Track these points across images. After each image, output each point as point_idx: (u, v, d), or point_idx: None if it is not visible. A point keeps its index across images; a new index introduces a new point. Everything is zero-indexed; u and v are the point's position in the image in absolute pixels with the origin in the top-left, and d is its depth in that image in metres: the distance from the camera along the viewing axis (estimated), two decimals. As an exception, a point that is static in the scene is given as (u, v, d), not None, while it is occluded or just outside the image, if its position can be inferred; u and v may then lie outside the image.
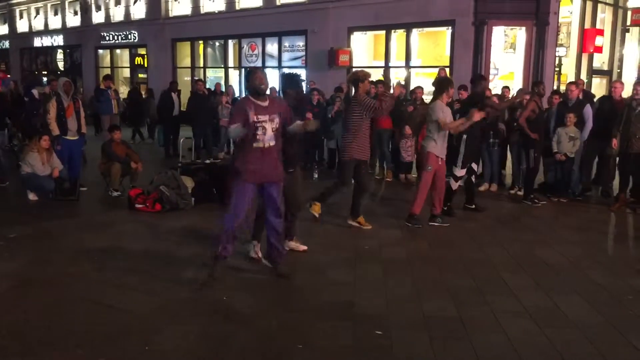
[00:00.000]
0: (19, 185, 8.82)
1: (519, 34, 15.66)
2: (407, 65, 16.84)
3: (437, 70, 13.07)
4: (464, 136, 7.58)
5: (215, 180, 8.27)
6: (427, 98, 11.23)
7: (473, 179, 8.11)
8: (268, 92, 5.19)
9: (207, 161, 10.02)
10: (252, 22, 20.14)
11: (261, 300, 4.83)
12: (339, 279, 5.33)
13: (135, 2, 25.10)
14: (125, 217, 7.55)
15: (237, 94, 18.27)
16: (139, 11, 25.01)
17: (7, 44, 34.85)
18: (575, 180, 8.96)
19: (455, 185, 7.78)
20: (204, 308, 4.64)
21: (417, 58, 17.08)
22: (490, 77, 15.39)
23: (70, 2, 29.12)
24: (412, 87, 13.16)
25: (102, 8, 26.97)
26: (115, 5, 26.25)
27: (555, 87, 14.54)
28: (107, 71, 25.64)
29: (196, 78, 20.07)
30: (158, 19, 23.80)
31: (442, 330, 4.25)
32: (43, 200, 8.37)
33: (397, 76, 17.23)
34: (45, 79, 26.95)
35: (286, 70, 20.13)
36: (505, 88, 11.20)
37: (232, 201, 4.99)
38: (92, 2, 27.40)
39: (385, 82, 10.94)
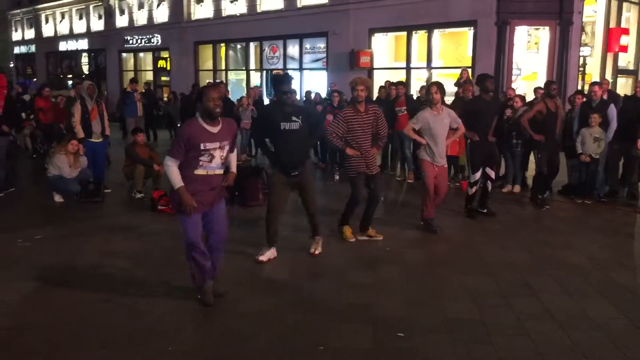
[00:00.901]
0: (45, 187, 8.97)
1: (542, 34, 15.49)
2: (429, 67, 16.76)
3: (458, 71, 12.98)
4: (468, 141, 7.54)
5: (236, 182, 8.29)
6: (449, 99, 11.19)
7: (488, 184, 7.75)
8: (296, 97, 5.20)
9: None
10: (273, 25, 20.24)
11: (282, 301, 4.84)
12: (360, 281, 5.33)
13: (158, 6, 25.39)
14: (148, 219, 7.63)
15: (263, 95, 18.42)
16: (161, 15, 25.29)
17: (33, 48, 35.53)
18: (600, 182, 8.82)
19: (471, 190, 7.68)
20: (224, 309, 4.67)
21: (439, 59, 17.00)
22: (513, 77, 15.26)
23: (94, 6, 29.58)
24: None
25: (126, 12, 27.34)
26: (139, 10, 26.58)
27: (579, 87, 14.36)
28: (131, 74, 25.94)
29: (218, 81, 20.25)
30: (180, 23, 24.04)
31: (464, 333, 4.22)
32: (68, 202, 8.51)
33: (418, 77, 17.18)
34: (70, 82, 27.42)
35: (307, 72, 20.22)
36: (539, 89, 10.98)
37: (184, 234, 4.55)
38: (116, 6, 27.77)
39: (404, 83, 10.78)
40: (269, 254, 5.80)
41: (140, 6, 26.45)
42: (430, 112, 6.80)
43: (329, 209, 7.57)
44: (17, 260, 5.83)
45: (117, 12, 27.79)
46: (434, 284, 5.28)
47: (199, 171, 4.44)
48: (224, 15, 22.47)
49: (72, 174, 8.49)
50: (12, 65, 39.57)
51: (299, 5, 19.76)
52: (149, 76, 26.68)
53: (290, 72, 20.76)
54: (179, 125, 16.55)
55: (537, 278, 5.42)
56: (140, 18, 26.57)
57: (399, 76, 16.12)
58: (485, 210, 7.83)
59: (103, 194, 8.73)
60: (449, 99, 11.14)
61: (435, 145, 6.79)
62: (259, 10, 21.14)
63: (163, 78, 26.08)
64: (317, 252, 6.01)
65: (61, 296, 4.87)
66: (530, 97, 10.98)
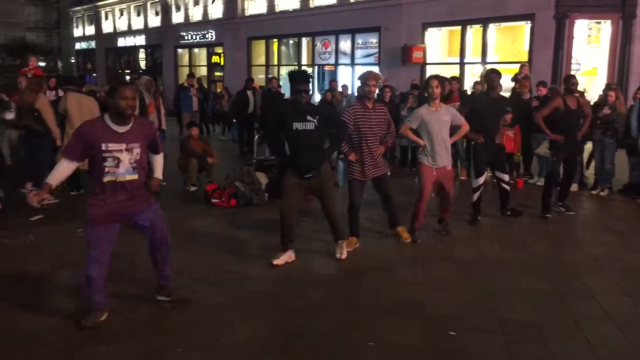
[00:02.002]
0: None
1: (604, 28, 14.94)
2: (483, 62, 16.43)
3: (514, 66, 12.69)
4: (472, 143, 7.07)
5: (281, 177, 8.37)
6: (505, 95, 10.96)
7: (505, 186, 7.28)
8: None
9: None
10: (325, 20, 20.26)
11: (331, 296, 4.86)
12: (410, 278, 5.29)
13: (213, 2, 25.80)
14: (201, 212, 7.78)
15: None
16: (216, 11, 25.69)
17: (93, 44, 36.71)
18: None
19: (474, 197, 7.12)
20: (275, 302, 4.73)
21: (494, 54, 16.63)
22: (572, 72, 14.79)
23: (152, 3, 30.30)
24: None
25: (182, 8, 27.90)
26: (194, 6, 27.08)
27: (642, 83, 13.79)
28: (186, 70, 26.49)
29: (270, 76, 20.44)
30: (234, 18, 24.36)
31: (518, 334, 4.13)
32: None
33: (472, 73, 16.88)
34: (127, 77, 28.21)
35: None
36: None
37: (88, 245, 4.15)
38: (172, 2, 28.39)
39: (458, 78, 10.54)
40: (285, 257, 5.60)
41: (196, 2, 26.95)
42: (427, 109, 6.26)
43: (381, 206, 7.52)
44: (76, 250, 6.04)
45: (174, 8, 28.40)
46: (487, 282, 5.19)
47: (107, 178, 4.00)
48: (277, 10, 22.64)
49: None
50: (73, 60, 41.06)
51: (351, 0, 19.71)
52: (203, 71, 27.17)
53: (341, 68, 20.91)
54: (234, 120, 16.86)
55: (595, 279, 5.25)
56: (196, 14, 27.07)
57: (453, 71, 15.88)
58: (509, 213, 7.38)
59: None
60: (505, 95, 10.96)
61: (433, 145, 6.20)
62: (311, 5, 21.21)
63: (217, 73, 26.52)
64: (343, 256, 5.74)
65: (118, 285, 5.01)
66: (590, 93, 10.63)
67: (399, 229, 6.39)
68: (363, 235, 6.34)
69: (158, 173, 4.52)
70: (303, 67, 22.18)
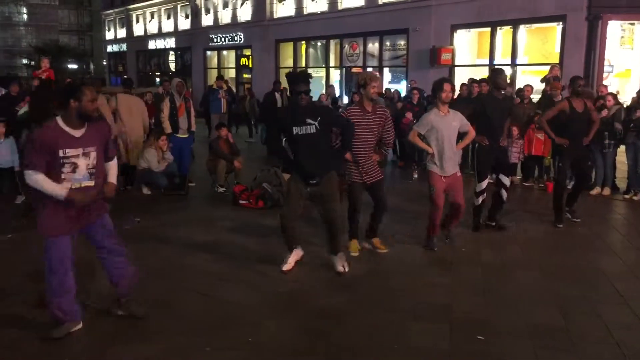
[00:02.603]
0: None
1: (638, 29, 14.65)
2: (513, 63, 16.24)
3: (544, 68, 12.52)
4: (476, 145, 6.71)
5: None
6: (536, 97, 10.82)
7: (503, 192, 6.89)
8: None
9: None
10: (353, 22, 20.25)
11: (358, 298, 4.85)
12: (436, 281, 5.26)
13: (241, 5, 26.00)
14: (229, 213, 7.85)
15: (337, 94, 18.54)
16: (245, 14, 25.88)
17: (124, 46, 37.31)
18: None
19: (477, 200, 6.79)
20: (301, 303, 4.74)
21: (524, 55, 16.43)
22: (604, 74, 14.53)
23: (182, 6, 30.68)
24: (517, 86, 12.71)
25: (211, 11, 28.18)
26: (223, 9, 27.33)
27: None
28: (215, 72, 26.73)
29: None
30: (263, 21, 24.51)
31: (547, 340, 4.07)
32: (155, 195, 8.89)
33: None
34: (157, 80, 28.61)
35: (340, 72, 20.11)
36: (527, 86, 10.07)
37: (47, 259, 3.94)
38: (202, 5, 28.70)
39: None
40: (292, 259, 5.44)
41: (225, 5, 27.19)
42: (437, 114, 5.99)
43: (408, 210, 7.50)
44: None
45: (203, 11, 28.71)
46: (515, 287, 5.13)
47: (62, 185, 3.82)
48: (305, 13, 22.71)
49: (159, 168, 8.86)
50: (105, 63, 41.79)
51: (380, 2, 19.66)
52: (232, 74, 27.39)
53: (370, 70, 20.86)
54: (252, 122, 17.00)
55: (628, 285, 5.14)
56: (225, 17, 27.31)
57: (482, 73, 15.71)
58: (493, 224, 6.96)
59: (187, 188, 9.06)
60: (535, 97, 10.82)
61: (443, 152, 5.94)
62: (339, 7, 21.22)
63: (245, 75, 26.71)
64: (347, 268, 5.39)
65: (148, 285, 5.08)
66: (623, 96, 10.42)
67: (375, 240, 6.10)
68: (386, 238, 6.31)
69: (112, 178, 4.18)
70: (331, 69, 22.22)
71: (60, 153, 3.74)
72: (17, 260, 5.64)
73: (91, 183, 3.91)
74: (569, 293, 4.96)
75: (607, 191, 9.02)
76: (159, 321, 4.35)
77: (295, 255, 5.48)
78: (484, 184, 6.77)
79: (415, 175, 10.30)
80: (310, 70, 23.14)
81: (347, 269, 5.37)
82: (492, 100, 6.74)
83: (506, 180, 6.89)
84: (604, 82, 13.16)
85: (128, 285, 4.34)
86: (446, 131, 5.93)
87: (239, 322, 4.37)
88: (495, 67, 7.70)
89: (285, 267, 5.38)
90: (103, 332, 4.16)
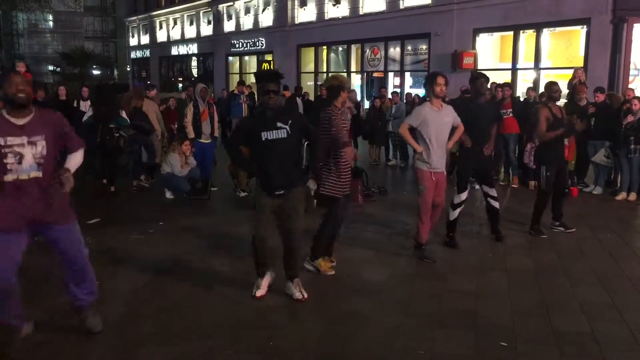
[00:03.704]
0: (158, 184, 9.58)
1: (665, 32, 14.41)
2: (537, 67, 16.10)
3: (568, 71, 12.38)
4: (456, 153, 6.30)
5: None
6: (560, 102, 10.68)
7: (493, 202, 6.62)
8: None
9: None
10: (375, 27, 20.26)
11: (382, 303, 4.84)
12: (462, 287, 5.22)
13: (263, 11, 26.18)
14: (251, 217, 7.83)
15: (358, 98, 18.51)
16: (266, 19, 26.05)
17: (147, 52, 37.78)
18: None
19: (453, 213, 6.40)
20: (325, 307, 4.74)
21: (548, 59, 16.27)
22: (630, 77, 14.32)
23: (204, 12, 30.98)
24: (541, 89, 12.57)
25: (233, 17, 28.42)
26: (245, 14, 27.54)
27: None
28: (237, 77, 26.94)
29: (319, 83, 20.55)
30: (284, 26, 24.65)
31: (573, 347, 4.02)
32: (178, 199, 8.97)
33: (524, 78, 16.54)
34: (180, 85, 28.90)
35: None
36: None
37: None
38: (224, 11, 28.94)
39: (510, 84, 10.27)
40: (264, 285, 4.93)
41: (247, 11, 27.40)
42: (430, 107, 5.74)
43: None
44: (131, 253, 6.23)
45: (225, 17, 28.96)
46: (541, 293, 5.07)
47: (8, 177, 3.59)
48: (326, 18, 22.78)
49: (182, 173, 8.94)
50: (128, 69, 42.35)
51: (401, 6, 19.64)
52: (253, 79, 27.53)
53: (391, 74, 20.83)
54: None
55: (656, 293, 5.06)
56: (247, 22, 27.52)
57: (504, 77, 15.61)
58: (496, 237, 6.66)
59: (210, 192, 9.12)
60: (562, 102, 10.69)
61: (433, 148, 5.73)
62: (361, 12, 21.25)
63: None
64: (305, 296, 4.83)
65: (170, 287, 5.14)
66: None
67: (321, 261, 5.52)
68: (402, 244, 6.29)
69: (69, 164, 3.82)
70: (352, 74, 22.22)
71: (1, 142, 3.54)
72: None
73: (39, 174, 3.66)
74: (595, 300, 4.89)
75: (632, 196, 8.88)
76: (181, 324, 4.38)
77: (267, 279, 4.95)
78: (464, 195, 6.44)
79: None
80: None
81: (305, 296, 4.84)
82: (475, 106, 6.48)
83: (491, 191, 6.61)
84: (630, 86, 12.98)
85: (85, 297, 4.08)
86: (438, 126, 5.74)
87: (262, 326, 4.38)
88: (478, 71, 7.41)
89: (259, 293, 4.86)
90: (124, 335, 4.20)
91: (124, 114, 9.19)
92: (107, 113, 8.83)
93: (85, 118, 9.07)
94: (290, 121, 4.60)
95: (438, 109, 5.78)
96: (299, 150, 4.92)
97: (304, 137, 4.97)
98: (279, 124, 4.55)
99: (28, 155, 3.61)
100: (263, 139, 4.52)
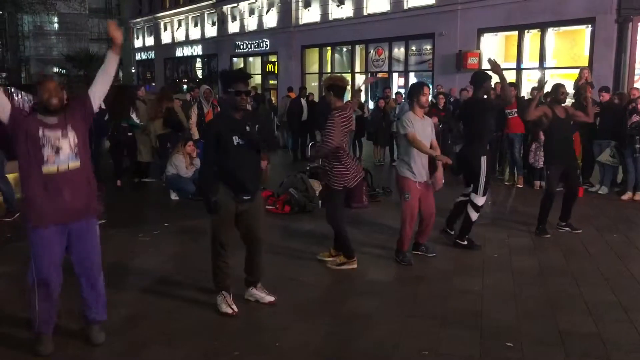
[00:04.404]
0: (162, 185, 9.61)
1: (670, 31, 14.35)
2: (541, 67, 16.06)
3: (573, 71, 12.35)
4: (483, 157, 6.19)
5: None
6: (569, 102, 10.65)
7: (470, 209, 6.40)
8: None
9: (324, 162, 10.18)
10: (379, 27, 20.26)
11: (387, 304, 4.84)
12: (467, 287, 5.21)
13: (267, 12, 26.21)
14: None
15: (362, 99, 18.50)
16: (271, 20, 26.08)
17: (152, 54, 37.87)
18: None
19: (475, 215, 6.31)
20: (330, 308, 4.74)
21: (552, 59, 16.24)
22: (635, 77, 14.28)
23: (208, 13, 31.05)
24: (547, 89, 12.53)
25: (237, 18, 28.46)
26: (249, 16, 27.58)
27: None
28: (241, 78, 26.90)
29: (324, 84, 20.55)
30: (289, 27, 24.67)
31: (579, 348, 4.01)
32: (183, 200, 8.99)
33: (529, 78, 16.51)
34: (185, 86, 28.95)
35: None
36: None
37: (33, 261, 3.73)
38: (228, 13, 28.99)
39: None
40: (230, 299, 4.62)
41: (251, 12, 27.44)
42: (414, 117, 5.72)
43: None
44: (137, 253, 6.25)
45: (229, 18, 29.00)
46: (546, 293, 5.05)
47: (47, 168, 3.64)
48: (330, 19, 22.79)
49: (188, 174, 8.96)
50: (133, 70, 42.45)
51: (405, 7, 19.63)
52: (258, 80, 27.60)
53: (395, 75, 20.81)
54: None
55: (662, 293, 5.04)
56: (251, 24, 27.56)
57: (509, 77, 15.54)
58: (452, 232, 6.67)
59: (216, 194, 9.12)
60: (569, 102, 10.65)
61: (419, 157, 5.71)
62: (365, 13, 21.25)
63: (271, 82, 26.89)
64: (274, 298, 4.79)
65: (175, 288, 5.15)
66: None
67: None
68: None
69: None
70: (356, 75, 22.22)
71: (39, 134, 3.61)
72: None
73: (77, 164, 3.73)
74: (601, 300, 4.88)
75: (638, 196, 8.85)
76: (186, 325, 4.39)
77: (229, 300, 4.62)
78: (484, 199, 6.36)
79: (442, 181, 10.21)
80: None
81: (273, 299, 4.78)
82: (475, 103, 6.46)
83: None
84: (635, 85, 12.93)
85: (98, 307, 4.06)
86: (423, 136, 5.70)
87: (267, 327, 4.40)
88: (482, 71, 7.38)
89: (235, 309, 4.56)
90: (128, 336, 4.21)
91: (134, 116, 9.91)
92: (122, 112, 9.61)
93: (132, 121, 9.86)
94: (257, 125, 4.49)
95: (421, 118, 5.78)
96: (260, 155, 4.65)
97: (264, 143, 4.67)
98: (248, 128, 4.41)
99: (65, 146, 3.67)
100: (235, 143, 4.34)
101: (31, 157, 3.62)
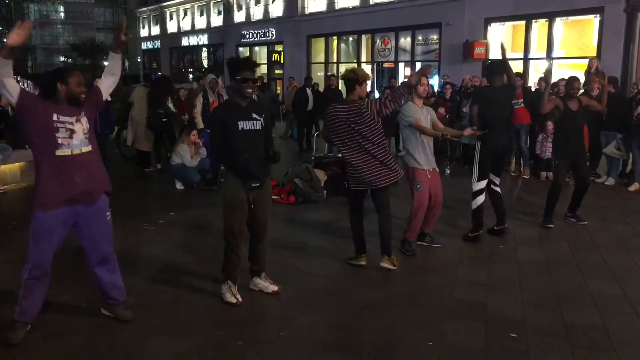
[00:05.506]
0: (168, 175, 9.62)
1: (679, 20, 14.19)
2: (549, 57, 15.93)
3: (581, 61, 12.25)
4: (478, 142, 6.24)
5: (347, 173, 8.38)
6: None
7: (496, 188, 6.46)
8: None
9: (340, 155, 10.17)
10: (385, 17, 20.14)
11: (392, 295, 4.84)
12: (472, 278, 5.20)
13: (273, 1, 26.10)
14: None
15: (369, 89, 18.44)
16: (277, 9, 25.97)
17: (158, 43, 37.80)
18: None
19: (477, 202, 6.29)
20: (335, 299, 4.74)
21: (560, 49, 16.10)
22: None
23: (214, 3, 30.94)
24: (553, 79, 12.46)
25: (243, 8, 28.36)
26: (255, 5, 27.48)
27: None
28: (247, 68, 26.85)
29: (329, 73, 20.48)
30: (294, 17, 24.56)
31: (584, 340, 3.99)
32: (188, 189, 9.00)
33: (536, 68, 16.39)
34: (190, 76, 28.95)
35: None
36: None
37: (29, 242, 3.77)
38: (234, 2, 28.89)
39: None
40: (235, 289, 4.63)
41: (257, 1, 27.34)
42: (414, 106, 5.79)
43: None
44: (142, 242, 6.26)
45: (235, 7, 28.90)
46: (552, 285, 5.03)
47: (61, 151, 3.71)
48: (336, 8, 22.67)
49: (192, 163, 8.96)
50: (139, 60, 42.42)
51: (412, -5, 19.50)
52: (264, 69, 27.53)
53: (402, 64, 20.71)
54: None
55: (669, 285, 5.01)
56: (257, 13, 27.46)
57: (516, 67, 15.45)
58: (501, 227, 6.51)
59: (220, 183, 9.13)
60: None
61: (425, 145, 5.77)
62: (371, 2, 21.12)
63: (277, 71, 26.82)
64: (278, 288, 4.79)
65: (181, 278, 5.16)
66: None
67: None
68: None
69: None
70: (362, 64, 22.12)
71: (54, 117, 3.70)
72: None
73: (89, 148, 3.85)
74: (607, 292, 4.86)
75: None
76: (191, 314, 4.40)
77: (235, 291, 4.62)
78: (483, 184, 6.32)
79: (448, 171, 10.21)
80: (341, 66, 23.14)
81: (278, 287, 4.79)
82: (490, 91, 6.40)
83: (496, 179, 6.47)
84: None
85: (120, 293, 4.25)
86: (425, 124, 5.77)
87: (273, 317, 4.41)
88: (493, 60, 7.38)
89: (239, 298, 4.58)
90: (135, 325, 4.21)
91: (170, 104, 10.58)
92: (159, 100, 10.12)
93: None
94: (264, 115, 4.51)
95: (421, 108, 5.83)
96: (269, 144, 4.65)
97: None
98: (255, 115, 4.43)
99: (79, 131, 3.78)
100: (240, 128, 4.34)
101: (44, 141, 3.70)
